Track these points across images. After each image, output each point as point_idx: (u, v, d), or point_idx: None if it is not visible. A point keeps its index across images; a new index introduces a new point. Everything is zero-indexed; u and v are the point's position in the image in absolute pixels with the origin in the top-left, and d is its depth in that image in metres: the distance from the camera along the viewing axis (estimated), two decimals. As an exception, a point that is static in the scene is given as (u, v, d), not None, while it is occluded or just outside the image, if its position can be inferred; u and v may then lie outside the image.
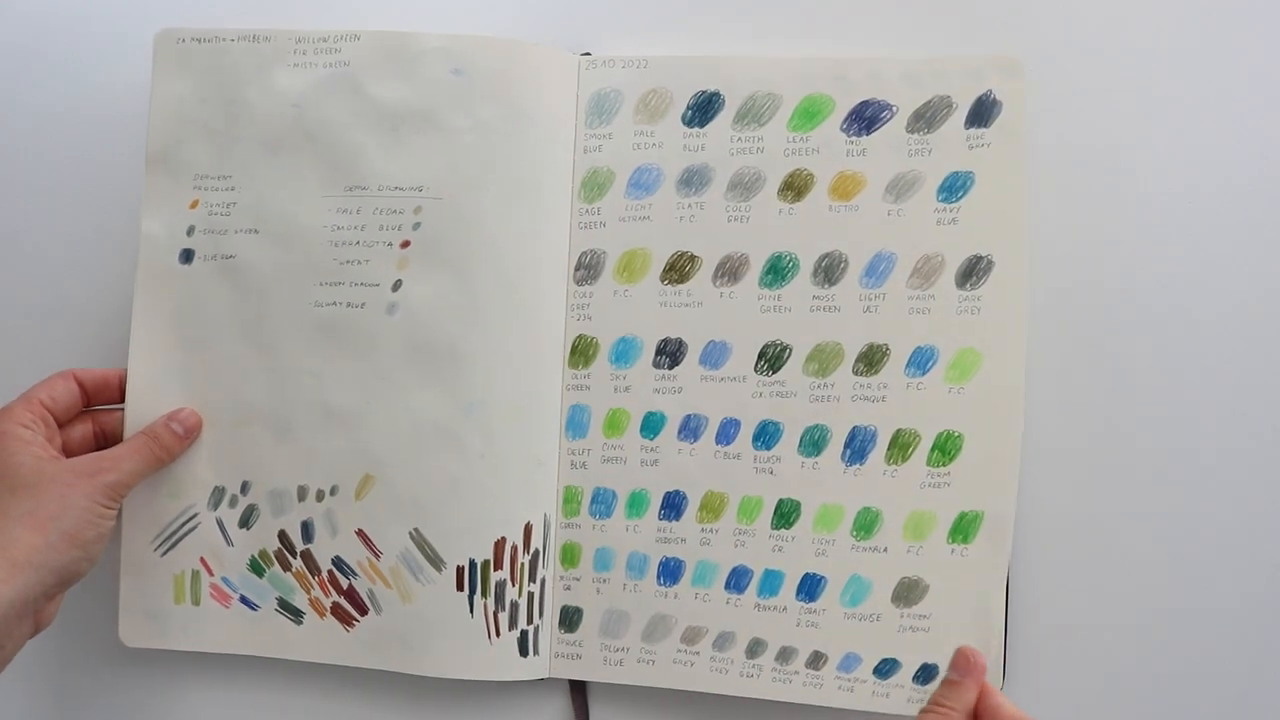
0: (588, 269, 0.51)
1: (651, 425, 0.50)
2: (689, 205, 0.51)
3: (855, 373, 0.49)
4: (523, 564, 0.50)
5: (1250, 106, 0.52)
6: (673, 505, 0.50)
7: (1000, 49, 0.51)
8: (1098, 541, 0.51)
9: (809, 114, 0.50)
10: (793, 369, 0.50)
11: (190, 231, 0.51)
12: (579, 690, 0.52)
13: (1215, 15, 0.52)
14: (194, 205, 0.51)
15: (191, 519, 0.52)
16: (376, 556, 0.51)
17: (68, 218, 0.56)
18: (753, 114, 0.51)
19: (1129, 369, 0.51)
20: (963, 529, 0.49)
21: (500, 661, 0.50)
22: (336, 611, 0.51)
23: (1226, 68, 0.52)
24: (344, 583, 0.51)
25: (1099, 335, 0.51)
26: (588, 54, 0.53)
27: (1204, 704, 0.50)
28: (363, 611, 0.51)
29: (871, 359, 0.49)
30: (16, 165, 0.57)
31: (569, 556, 0.51)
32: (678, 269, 0.51)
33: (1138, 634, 0.50)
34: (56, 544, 0.44)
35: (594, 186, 0.51)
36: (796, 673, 0.49)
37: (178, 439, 0.50)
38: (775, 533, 0.50)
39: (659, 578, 0.50)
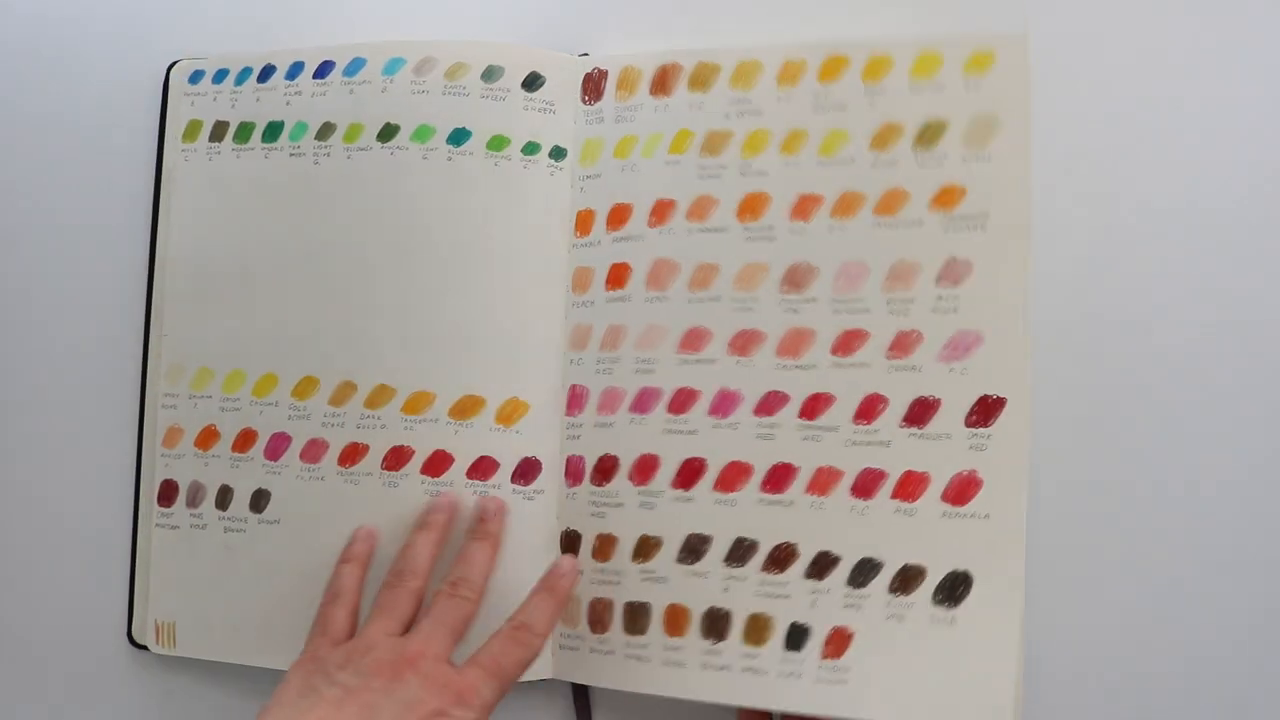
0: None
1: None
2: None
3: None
4: None
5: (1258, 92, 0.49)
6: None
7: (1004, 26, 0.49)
8: (1098, 545, 0.49)
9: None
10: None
11: None
12: (581, 692, 0.52)
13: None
14: None
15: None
16: None
17: (67, 218, 0.58)
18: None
19: (1144, 370, 0.49)
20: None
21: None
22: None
23: (1235, 54, 0.50)
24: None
25: (1112, 332, 0.49)
26: (585, 55, 0.54)
27: (1205, 705, 0.48)
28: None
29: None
30: (16, 166, 0.59)
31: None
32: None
33: (1138, 636, 0.48)
34: None
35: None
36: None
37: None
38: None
39: None
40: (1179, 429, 0.48)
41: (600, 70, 0.53)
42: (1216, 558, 0.48)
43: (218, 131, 0.56)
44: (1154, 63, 0.50)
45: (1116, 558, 0.48)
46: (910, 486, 0.47)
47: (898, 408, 0.47)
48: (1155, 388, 0.49)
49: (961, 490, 0.46)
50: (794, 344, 0.49)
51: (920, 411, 0.47)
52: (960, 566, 0.45)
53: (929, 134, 0.48)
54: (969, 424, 0.46)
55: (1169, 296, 0.49)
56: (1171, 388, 0.48)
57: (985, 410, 0.46)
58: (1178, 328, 0.49)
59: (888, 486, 0.47)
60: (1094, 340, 0.49)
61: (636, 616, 0.49)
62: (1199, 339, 0.49)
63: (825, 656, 0.46)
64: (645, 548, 0.50)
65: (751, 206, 0.50)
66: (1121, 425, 0.48)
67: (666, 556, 0.49)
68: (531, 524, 0.51)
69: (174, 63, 0.58)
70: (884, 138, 0.49)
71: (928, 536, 0.46)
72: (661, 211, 0.51)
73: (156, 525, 0.55)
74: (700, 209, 0.51)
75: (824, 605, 0.47)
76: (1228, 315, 0.48)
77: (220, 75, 0.57)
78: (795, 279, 0.49)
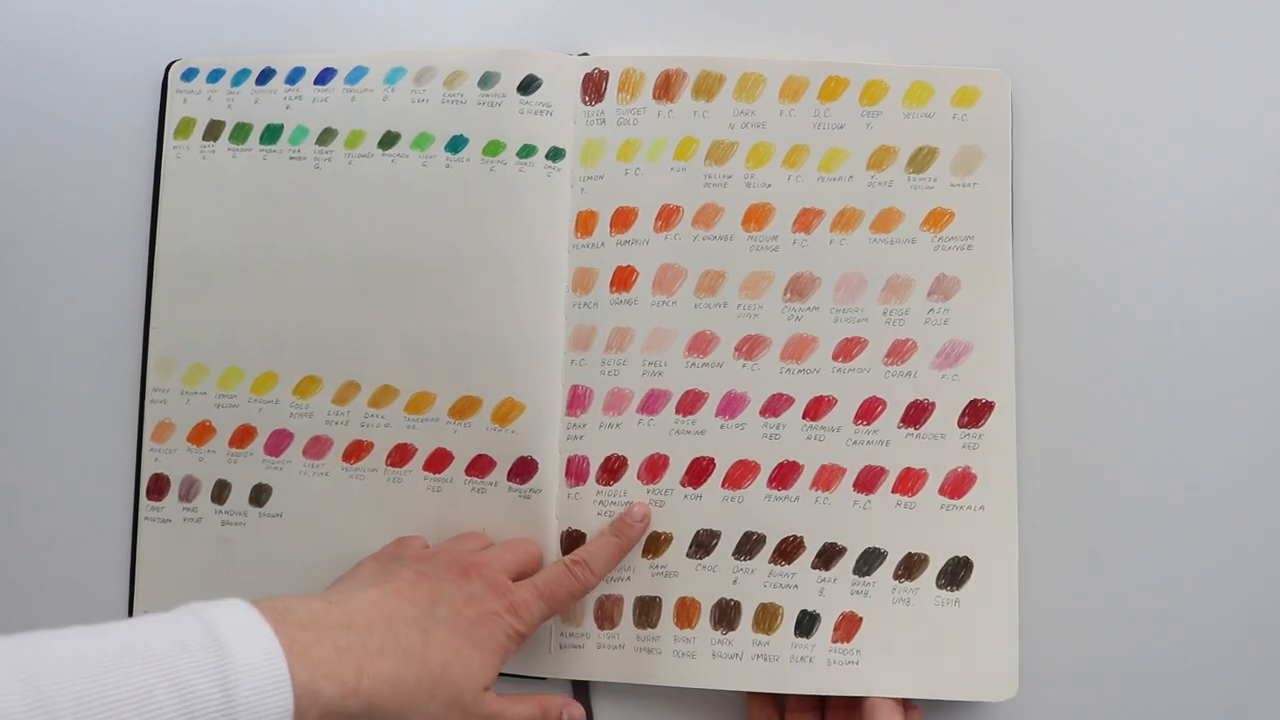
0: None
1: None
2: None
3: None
4: None
5: (1243, 111, 0.52)
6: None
7: (990, 56, 0.53)
8: (1094, 543, 0.51)
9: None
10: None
11: None
12: (582, 691, 0.52)
13: (1206, 22, 0.53)
14: None
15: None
16: None
17: (69, 217, 0.56)
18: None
19: (1121, 374, 0.52)
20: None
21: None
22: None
23: (1219, 73, 0.53)
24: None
25: (1090, 342, 0.52)
26: (585, 54, 0.55)
27: (1205, 706, 0.50)
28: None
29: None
30: (17, 164, 0.57)
31: None
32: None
33: (1134, 634, 0.51)
34: None
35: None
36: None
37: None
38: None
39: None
40: (1168, 425, 0.51)
41: (601, 71, 0.54)
42: (1200, 544, 0.51)
43: (212, 130, 0.55)
44: (1132, 93, 0.53)
45: (1109, 546, 0.51)
46: (909, 482, 0.51)
47: (895, 410, 0.51)
48: (1144, 387, 0.52)
49: (957, 485, 0.51)
50: (798, 349, 0.52)
51: (916, 413, 0.51)
52: (960, 553, 0.50)
53: (920, 159, 0.53)
54: (961, 425, 0.51)
55: (1150, 302, 0.52)
56: (1162, 386, 0.52)
57: (976, 412, 0.51)
58: (1164, 331, 0.52)
59: (888, 482, 0.51)
60: (1085, 345, 0.52)
61: (647, 610, 0.51)
62: (1184, 341, 0.52)
63: (836, 640, 0.50)
64: (655, 544, 0.51)
65: (756, 217, 0.53)
66: (1112, 424, 0.52)
67: (677, 551, 0.51)
68: (528, 522, 0.52)
69: (172, 62, 0.56)
70: (879, 159, 0.53)
71: (928, 527, 0.50)
72: (668, 217, 0.53)
73: (146, 519, 0.54)
74: (706, 216, 0.53)
75: (831, 593, 0.50)
76: (1201, 320, 0.52)
77: (215, 75, 0.56)
78: (798, 288, 0.52)
